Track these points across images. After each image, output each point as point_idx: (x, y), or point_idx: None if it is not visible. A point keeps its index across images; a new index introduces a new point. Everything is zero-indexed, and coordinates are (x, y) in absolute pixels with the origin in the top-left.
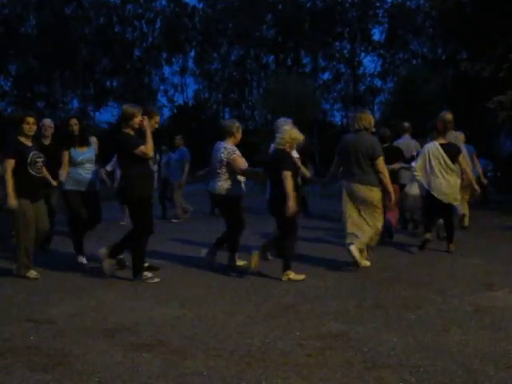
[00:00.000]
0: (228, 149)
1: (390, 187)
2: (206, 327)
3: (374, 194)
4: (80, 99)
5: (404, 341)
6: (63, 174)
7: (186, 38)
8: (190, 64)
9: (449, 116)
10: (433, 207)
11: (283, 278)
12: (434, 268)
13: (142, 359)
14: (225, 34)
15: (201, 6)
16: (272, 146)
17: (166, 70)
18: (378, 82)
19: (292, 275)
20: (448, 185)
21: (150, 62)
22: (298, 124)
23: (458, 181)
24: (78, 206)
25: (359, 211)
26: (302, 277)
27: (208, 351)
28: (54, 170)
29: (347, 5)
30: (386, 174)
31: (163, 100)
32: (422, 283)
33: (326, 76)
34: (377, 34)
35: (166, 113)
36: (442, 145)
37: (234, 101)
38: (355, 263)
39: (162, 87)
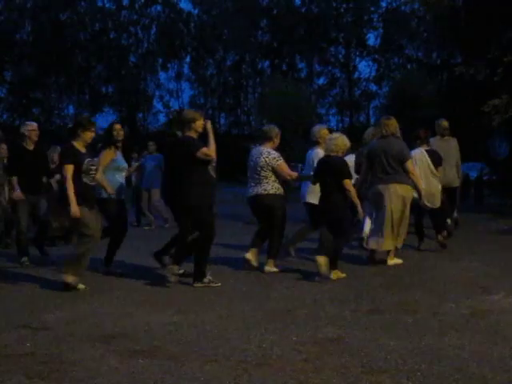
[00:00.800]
0: (272, 154)
1: (421, 186)
2: (203, 333)
3: (411, 194)
4: (75, 105)
5: (401, 345)
6: (104, 179)
7: (182, 44)
8: (186, 69)
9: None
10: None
11: (333, 276)
12: (430, 272)
13: (139, 365)
14: (220, 39)
15: (196, 11)
16: (316, 151)
17: (162, 76)
18: (373, 87)
19: (338, 273)
20: (430, 189)
21: (146, 68)
22: (294, 129)
23: (440, 186)
24: (116, 215)
25: (395, 212)
26: (343, 275)
27: (204, 357)
28: (37, 175)
29: (342, 10)
30: (417, 174)
31: (159, 106)
32: (418, 287)
33: (321, 81)
34: (372, 39)
35: (162, 118)
36: (426, 151)
37: (230, 106)
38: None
39: (157, 93)
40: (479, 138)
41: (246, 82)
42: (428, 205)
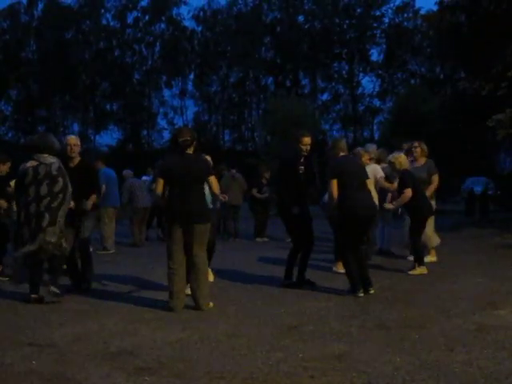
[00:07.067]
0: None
1: None
2: (209, 349)
3: None
4: (80, 123)
5: (408, 361)
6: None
7: (185, 61)
8: (190, 87)
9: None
10: None
11: None
12: (436, 287)
13: (145, 383)
14: (224, 56)
15: (199, 29)
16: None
17: (166, 93)
18: (376, 102)
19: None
20: None
21: (150, 85)
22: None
23: None
24: None
25: None
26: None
27: (211, 374)
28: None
29: (345, 26)
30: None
31: (163, 123)
32: (424, 302)
33: (324, 97)
34: (375, 55)
35: (166, 135)
36: None
37: (234, 122)
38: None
39: (161, 110)
40: (484, 153)
41: (250, 98)
42: None
